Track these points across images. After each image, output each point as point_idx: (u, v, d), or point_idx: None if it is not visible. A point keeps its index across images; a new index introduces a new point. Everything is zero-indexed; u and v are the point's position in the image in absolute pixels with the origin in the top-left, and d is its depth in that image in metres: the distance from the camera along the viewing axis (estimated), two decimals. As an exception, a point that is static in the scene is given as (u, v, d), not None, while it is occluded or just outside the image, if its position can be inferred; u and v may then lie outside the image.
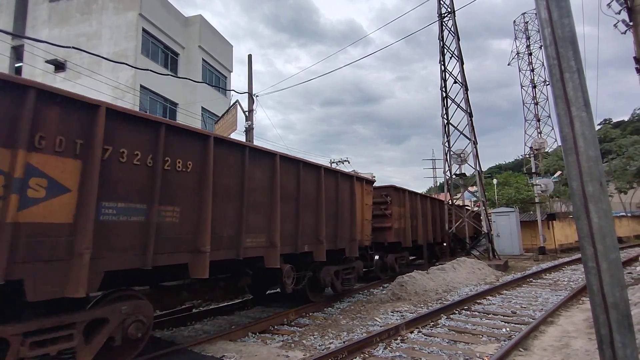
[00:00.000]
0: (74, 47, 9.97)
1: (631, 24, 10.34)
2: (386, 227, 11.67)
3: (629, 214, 33.28)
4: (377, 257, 11.09)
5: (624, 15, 10.49)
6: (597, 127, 46.21)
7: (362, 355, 5.02)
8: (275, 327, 6.65)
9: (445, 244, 17.12)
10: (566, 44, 1.77)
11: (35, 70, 18.85)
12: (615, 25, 10.60)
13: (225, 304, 8.47)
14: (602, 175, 1.74)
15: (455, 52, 17.47)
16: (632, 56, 10.29)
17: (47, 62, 18.85)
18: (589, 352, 4.95)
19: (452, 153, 17.60)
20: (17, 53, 20.91)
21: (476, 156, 16.74)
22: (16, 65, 21.10)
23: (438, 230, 16.40)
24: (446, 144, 17.64)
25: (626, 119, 62.87)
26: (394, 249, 12.18)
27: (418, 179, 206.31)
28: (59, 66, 19.50)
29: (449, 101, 17.57)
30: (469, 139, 16.83)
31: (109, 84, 17.69)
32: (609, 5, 10.64)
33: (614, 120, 60.59)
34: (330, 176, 8.23)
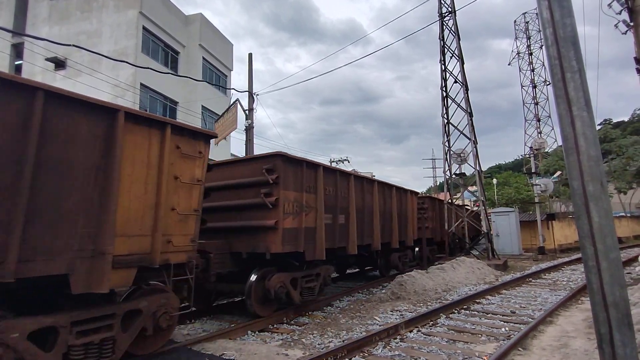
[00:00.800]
0: (74, 45, 9.95)
1: (632, 24, 10.35)
2: (268, 228, 6.64)
3: (629, 215, 33.32)
4: (253, 277, 6.73)
5: (625, 15, 10.51)
6: (597, 128, 46.17)
7: (361, 354, 5.02)
8: (275, 325, 6.65)
9: (417, 249, 14.29)
10: (568, 44, 1.78)
11: (35, 68, 18.84)
12: (615, 26, 10.61)
13: (225, 302, 8.48)
14: (603, 175, 1.75)
15: (456, 52, 17.47)
16: (632, 57, 10.31)
17: (47, 60, 18.84)
18: (588, 351, 4.96)
19: (452, 153, 17.61)
20: (17, 51, 20.91)
21: (476, 156, 16.75)
22: (16, 62, 21.09)
23: (397, 229, 11.42)
24: (446, 144, 17.65)
25: (626, 119, 62.94)
26: (286, 264, 7.37)
27: (418, 179, 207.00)
28: (59, 64, 19.49)
29: (449, 101, 17.58)
30: (469, 139, 16.84)
31: (109, 82, 17.68)
32: (609, 5, 10.65)
33: (614, 120, 60.65)
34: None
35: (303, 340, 5.75)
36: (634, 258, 14.70)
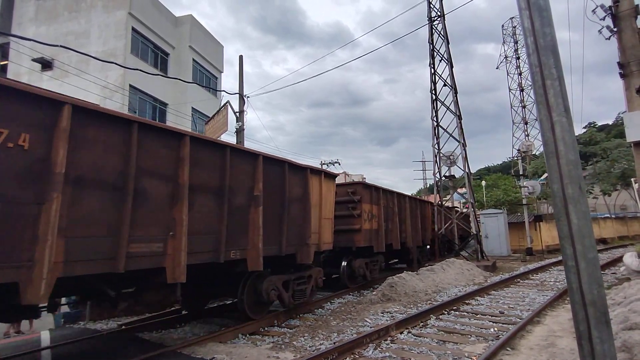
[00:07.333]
0: (61, 46, 9.78)
1: (615, 29, 10.61)
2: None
3: (613, 216, 33.98)
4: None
5: (609, 21, 10.76)
6: (583, 131, 47.15)
7: (352, 356, 5.05)
8: (266, 328, 6.65)
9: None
10: (547, 53, 1.85)
11: (21, 69, 18.53)
12: (599, 31, 10.85)
13: (215, 305, 8.44)
14: (582, 178, 1.82)
15: (445, 55, 17.67)
16: (613, 62, 10.55)
17: (34, 60, 18.53)
18: (574, 350, 5.06)
19: (441, 155, 17.79)
20: (3, 51, 20.53)
21: (465, 158, 16.95)
22: (1, 63, 20.71)
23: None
24: (436, 146, 17.82)
25: (610, 122, 64.20)
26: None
27: (408, 181, 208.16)
28: (46, 65, 19.18)
29: (439, 104, 17.76)
30: (458, 141, 17.03)
31: (98, 83, 17.47)
32: (593, 11, 10.90)
33: (598, 124, 61.73)
34: None
35: (294, 342, 5.76)
36: (619, 258, 14.99)
